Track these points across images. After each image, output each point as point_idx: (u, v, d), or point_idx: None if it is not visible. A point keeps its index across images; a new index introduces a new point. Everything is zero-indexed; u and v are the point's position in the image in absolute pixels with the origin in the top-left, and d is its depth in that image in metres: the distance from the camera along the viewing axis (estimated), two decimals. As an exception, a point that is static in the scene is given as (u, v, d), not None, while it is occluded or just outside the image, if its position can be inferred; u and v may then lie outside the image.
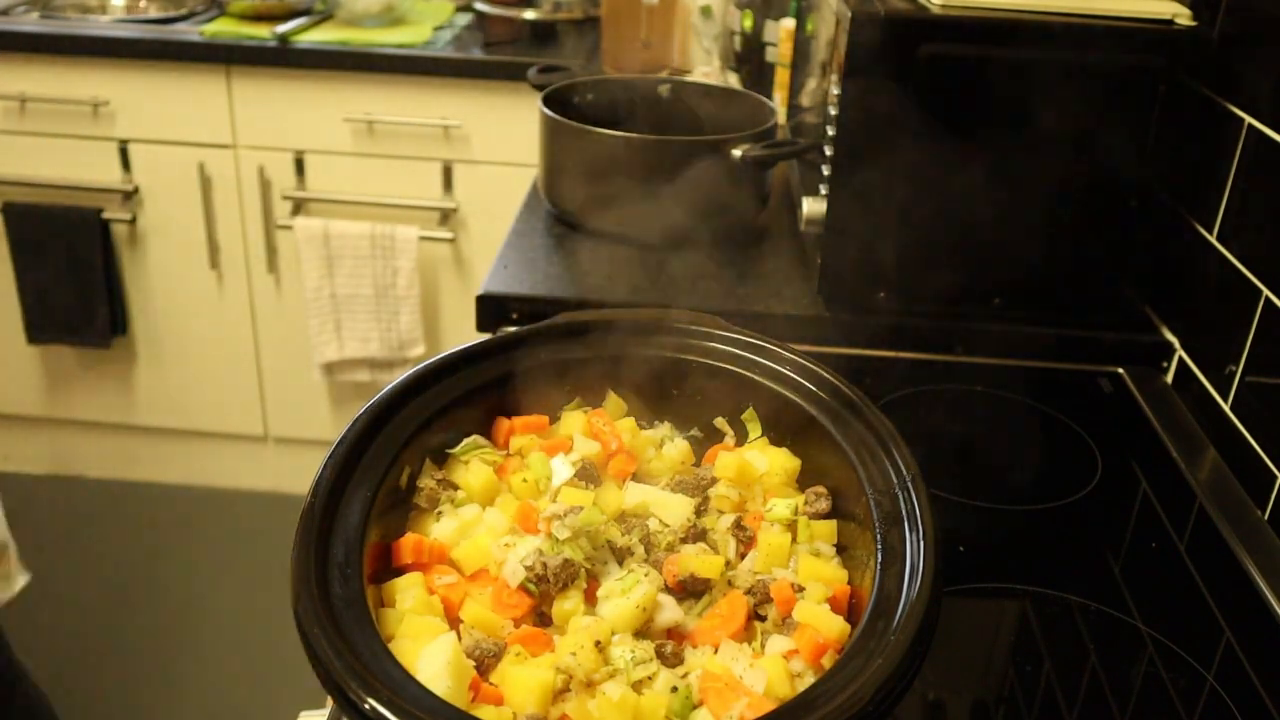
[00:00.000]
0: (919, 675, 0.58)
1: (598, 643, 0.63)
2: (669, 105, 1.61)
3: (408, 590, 0.67)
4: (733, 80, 2.00)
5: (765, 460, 0.78)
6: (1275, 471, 1.01)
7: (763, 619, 0.69)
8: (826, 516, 0.74)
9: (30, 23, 2.29)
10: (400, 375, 0.77)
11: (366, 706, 0.54)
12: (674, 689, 0.62)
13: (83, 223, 2.32)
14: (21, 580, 1.48)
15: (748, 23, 1.97)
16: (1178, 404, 1.19)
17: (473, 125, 2.24)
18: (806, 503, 0.75)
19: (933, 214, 1.22)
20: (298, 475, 2.60)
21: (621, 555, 0.72)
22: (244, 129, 2.28)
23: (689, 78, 1.85)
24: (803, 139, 1.44)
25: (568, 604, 0.67)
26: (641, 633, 0.67)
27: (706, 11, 2.04)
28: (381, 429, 0.72)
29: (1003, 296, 1.26)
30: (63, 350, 2.51)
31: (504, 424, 0.82)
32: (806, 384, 0.79)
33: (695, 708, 0.62)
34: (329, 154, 2.30)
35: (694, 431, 0.84)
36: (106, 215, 2.32)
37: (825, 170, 1.22)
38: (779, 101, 1.78)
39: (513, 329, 0.94)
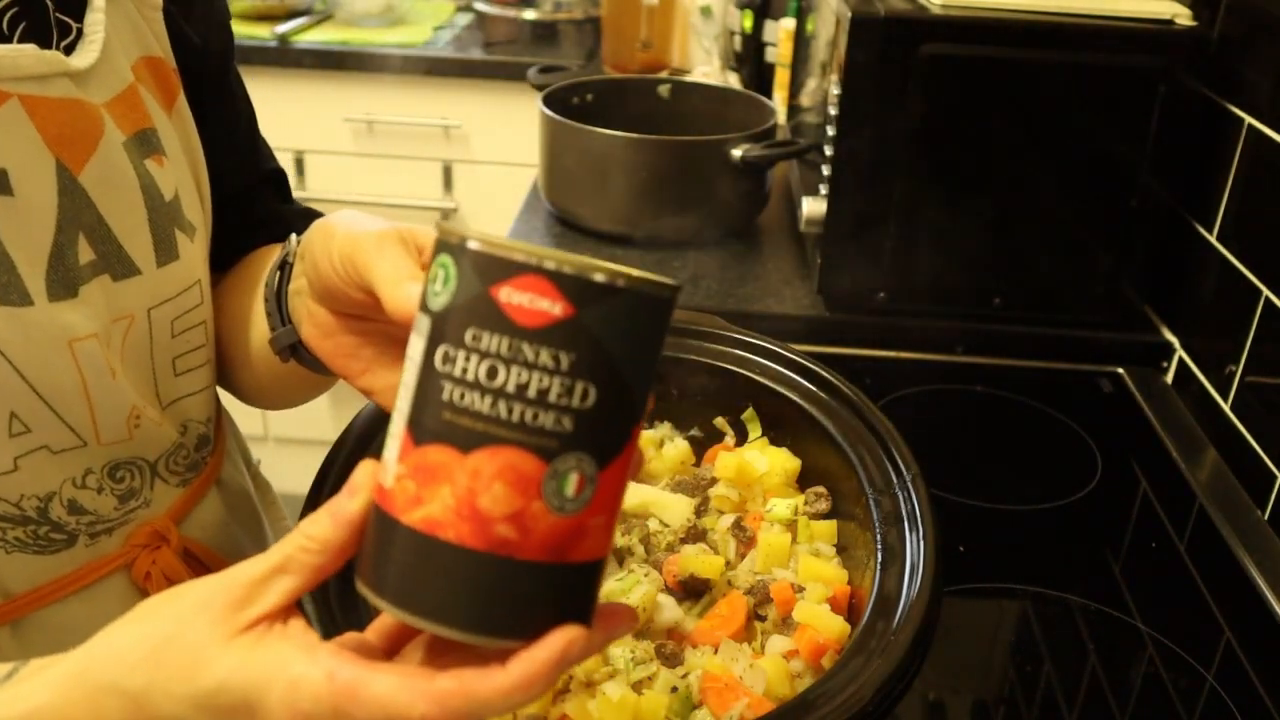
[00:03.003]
0: (919, 675, 0.58)
1: (598, 643, 0.63)
2: (669, 105, 1.61)
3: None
4: (733, 80, 2.00)
5: (765, 460, 0.78)
6: (1275, 471, 1.01)
7: (763, 619, 0.69)
8: (826, 516, 0.74)
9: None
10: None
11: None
12: (674, 689, 0.62)
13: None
14: None
15: (748, 23, 1.97)
16: (1178, 404, 1.19)
17: (473, 125, 2.24)
18: (806, 503, 0.75)
19: (932, 214, 1.22)
20: (298, 475, 2.60)
21: (621, 555, 0.72)
22: (244, 129, 2.28)
23: (689, 78, 1.85)
24: (803, 139, 1.44)
25: (568, 604, 0.67)
26: (641, 633, 0.67)
27: (706, 11, 2.04)
28: (382, 428, 0.72)
29: (1003, 296, 1.26)
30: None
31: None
32: (806, 384, 0.78)
33: (695, 708, 0.62)
34: (329, 154, 2.30)
35: (694, 431, 0.84)
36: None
37: (825, 170, 1.22)
38: (779, 101, 1.78)
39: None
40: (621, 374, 0.39)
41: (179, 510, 0.70)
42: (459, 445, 0.39)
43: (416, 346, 0.40)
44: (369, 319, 0.56)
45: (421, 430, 0.39)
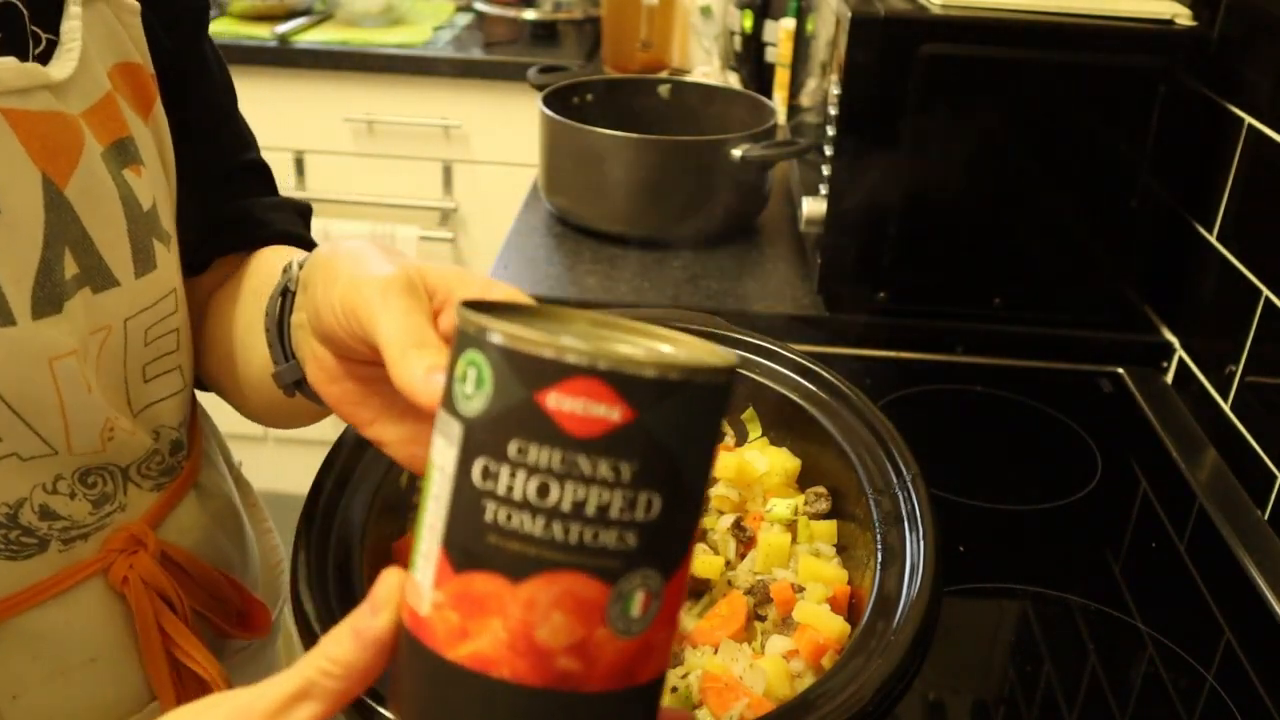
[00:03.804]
0: (919, 675, 0.58)
1: (598, 643, 0.63)
2: (669, 105, 1.61)
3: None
4: (733, 80, 2.00)
5: (765, 460, 0.78)
6: (1275, 471, 1.01)
7: (763, 619, 0.69)
8: (826, 516, 0.74)
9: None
10: (400, 375, 0.76)
11: (367, 706, 0.54)
12: (674, 689, 0.62)
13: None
14: None
15: (748, 23, 1.97)
16: (1178, 404, 1.19)
17: (473, 125, 2.24)
18: (806, 503, 0.75)
19: (933, 214, 1.22)
20: (298, 475, 2.59)
21: (621, 555, 0.71)
22: (244, 129, 2.28)
23: (689, 78, 1.85)
24: (803, 139, 1.44)
25: (568, 604, 0.67)
26: (641, 633, 0.67)
27: (706, 11, 2.04)
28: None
29: (1003, 296, 1.26)
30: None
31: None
32: (806, 384, 0.78)
33: (695, 708, 0.62)
34: (329, 154, 2.30)
35: (694, 431, 0.84)
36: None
37: (825, 170, 1.22)
38: (779, 101, 1.78)
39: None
40: (685, 475, 0.35)
41: (155, 514, 0.69)
42: (509, 573, 0.34)
43: (447, 456, 0.35)
44: (377, 364, 0.51)
45: (462, 555, 0.35)
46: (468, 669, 0.35)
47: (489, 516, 0.34)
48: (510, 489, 0.34)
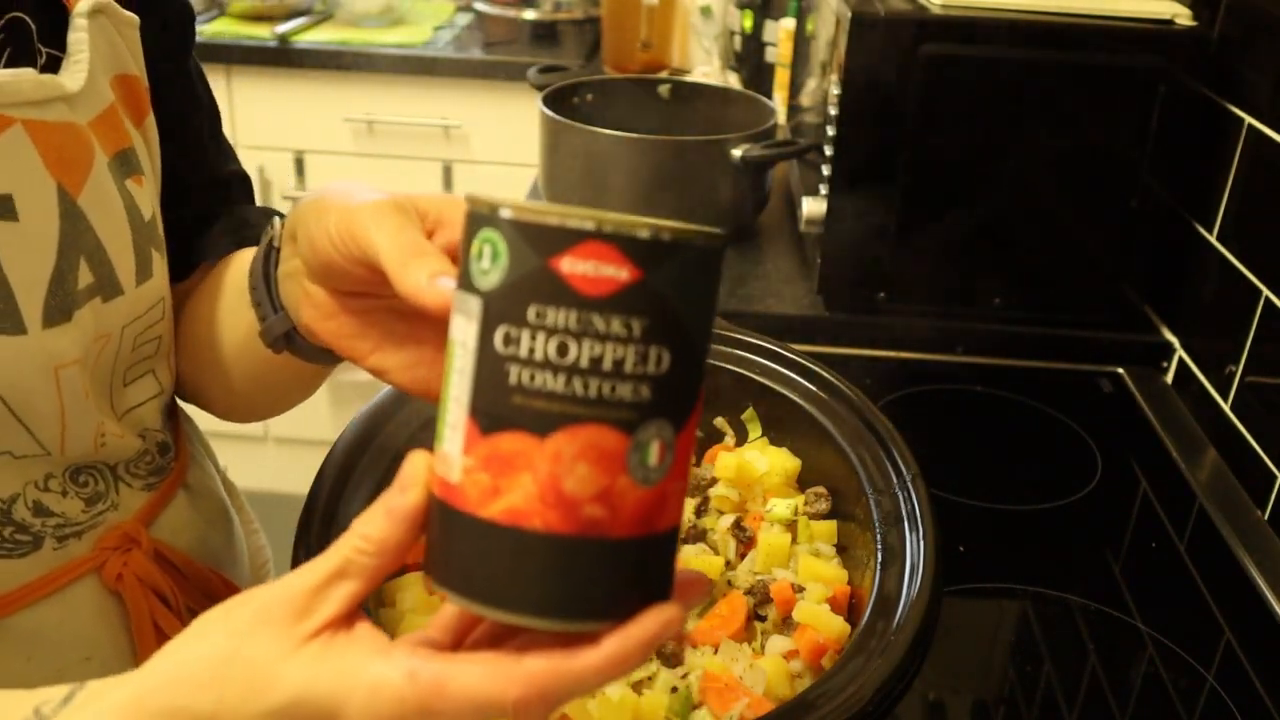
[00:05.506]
0: (919, 675, 0.58)
1: (598, 643, 0.63)
2: (669, 105, 1.61)
3: (407, 590, 0.67)
4: (733, 80, 2.00)
5: (765, 460, 0.78)
6: (1275, 471, 1.01)
7: (763, 619, 0.69)
8: (826, 516, 0.74)
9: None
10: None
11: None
12: (674, 689, 0.62)
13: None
14: None
15: (748, 23, 1.97)
16: (1178, 404, 1.19)
17: (473, 125, 2.24)
18: (806, 503, 0.75)
19: (932, 214, 1.22)
20: (298, 475, 2.59)
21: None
22: (244, 129, 2.28)
23: (689, 78, 1.85)
24: (803, 139, 1.44)
25: (568, 604, 0.67)
26: (641, 633, 0.67)
27: (706, 11, 2.04)
28: (382, 429, 0.72)
29: (1003, 296, 1.26)
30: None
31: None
32: (806, 384, 0.78)
33: (695, 708, 0.62)
34: (329, 154, 2.30)
35: (694, 431, 0.84)
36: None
37: (825, 170, 1.22)
38: (779, 101, 1.78)
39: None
40: (690, 332, 0.38)
41: (147, 513, 0.69)
42: (535, 430, 0.37)
43: (468, 330, 0.38)
44: (372, 295, 0.54)
45: (489, 418, 0.38)
46: (502, 524, 0.38)
47: (513, 379, 0.37)
48: (532, 351, 0.37)
